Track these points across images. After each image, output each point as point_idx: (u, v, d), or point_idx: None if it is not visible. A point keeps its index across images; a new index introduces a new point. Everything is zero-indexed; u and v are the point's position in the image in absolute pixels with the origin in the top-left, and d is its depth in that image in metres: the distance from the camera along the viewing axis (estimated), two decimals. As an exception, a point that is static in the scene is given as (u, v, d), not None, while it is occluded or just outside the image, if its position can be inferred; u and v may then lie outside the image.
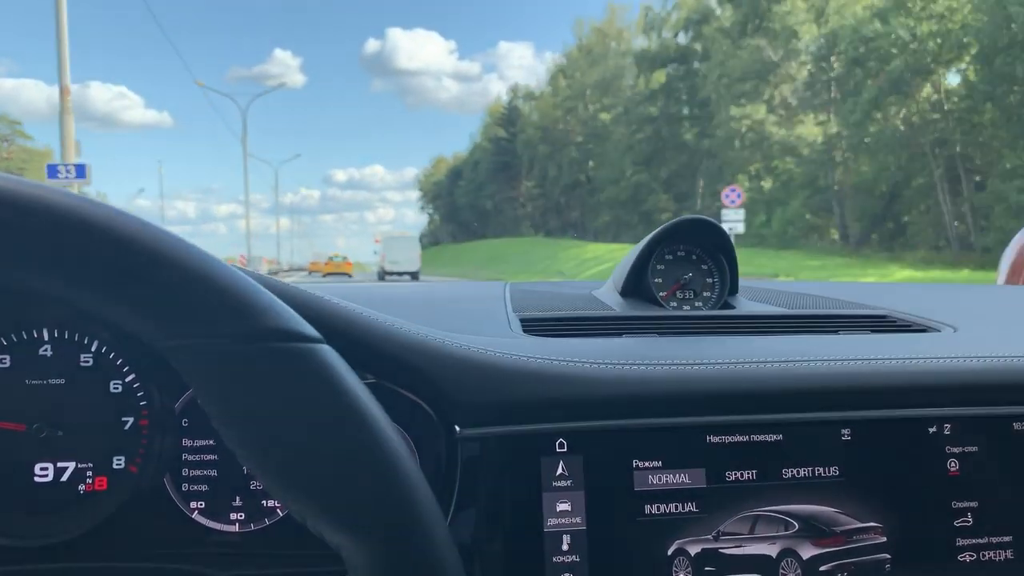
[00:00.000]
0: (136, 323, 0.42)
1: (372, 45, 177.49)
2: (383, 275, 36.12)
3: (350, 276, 39.89)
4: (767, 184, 40.43)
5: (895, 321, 0.97)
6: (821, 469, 0.70)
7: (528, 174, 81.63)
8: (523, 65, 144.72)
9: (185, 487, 0.67)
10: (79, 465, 0.65)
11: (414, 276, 35.71)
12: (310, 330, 0.46)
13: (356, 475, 0.44)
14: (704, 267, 1.06)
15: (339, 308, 0.60)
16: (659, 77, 49.91)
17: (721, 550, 0.67)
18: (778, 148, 39.02)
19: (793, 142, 38.36)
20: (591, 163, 66.33)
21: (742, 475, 0.68)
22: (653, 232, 1.04)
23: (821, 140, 36.73)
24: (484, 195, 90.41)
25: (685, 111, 48.95)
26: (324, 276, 38.58)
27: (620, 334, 0.85)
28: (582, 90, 66.52)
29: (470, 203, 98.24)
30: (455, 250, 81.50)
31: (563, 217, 76.93)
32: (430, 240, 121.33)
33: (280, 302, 0.46)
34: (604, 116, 61.00)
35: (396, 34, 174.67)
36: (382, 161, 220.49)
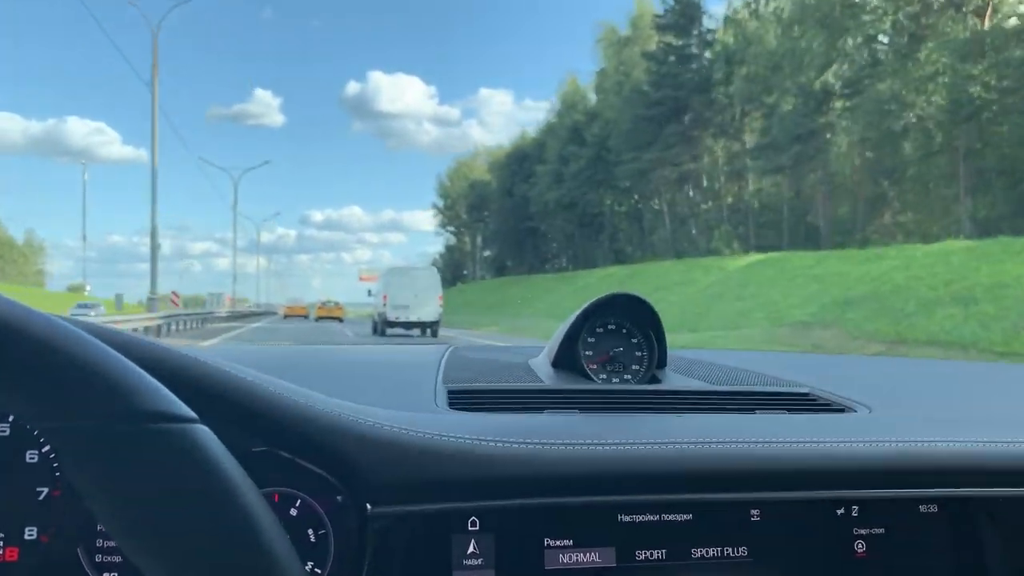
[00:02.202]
0: (13, 406, 0.44)
1: (353, 87, 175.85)
2: (383, 327, 23.51)
3: (341, 321, 39.45)
4: None
5: (814, 400, 0.97)
6: (730, 549, 0.71)
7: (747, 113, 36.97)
8: (503, 112, 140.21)
9: (99, 558, 0.66)
10: None
11: (432, 330, 23.50)
12: (184, 410, 0.46)
13: (222, 561, 0.44)
14: (634, 341, 1.07)
15: (248, 383, 0.60)
16: None
17: None
18: None
19: None
20: None
21: (652, 555, 0.69)
22: (584, 305, 1.06)
23: None
24: (598, 177, 45.74)
25: None
26: (317, 320, 39.73)
27: (543, 409, 0.86)
28: None
29: (566, 200, 52.68)
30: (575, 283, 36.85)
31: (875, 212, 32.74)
32: (451, 275, 75.62)
33: (154, 381, 0.46)
34: None
35: (377, 77, 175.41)
36: (360, 202, 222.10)
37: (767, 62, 38.01)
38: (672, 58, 44.10)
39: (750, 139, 41.67)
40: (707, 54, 42.52)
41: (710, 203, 44.81)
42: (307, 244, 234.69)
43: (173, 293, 26.47)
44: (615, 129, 47.96)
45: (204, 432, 0.46)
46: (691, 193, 45.76)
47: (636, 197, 50.24)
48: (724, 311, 23.99)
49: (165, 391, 0.46)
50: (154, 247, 22.76)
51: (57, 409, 0.43)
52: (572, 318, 1.06)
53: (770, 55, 37.98)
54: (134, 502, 0.43)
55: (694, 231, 44.73)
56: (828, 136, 36.35)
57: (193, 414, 0.46)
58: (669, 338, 1.09)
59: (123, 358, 0.45)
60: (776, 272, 26.20)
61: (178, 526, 0.43)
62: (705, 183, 44.72)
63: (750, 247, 38.98)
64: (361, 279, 47.52)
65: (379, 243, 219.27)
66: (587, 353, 1.06)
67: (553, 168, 56.82)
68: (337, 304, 43.65)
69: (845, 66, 34.78)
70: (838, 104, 35.81)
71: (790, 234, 39.27)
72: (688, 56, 43.75)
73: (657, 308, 1.06)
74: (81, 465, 0.43)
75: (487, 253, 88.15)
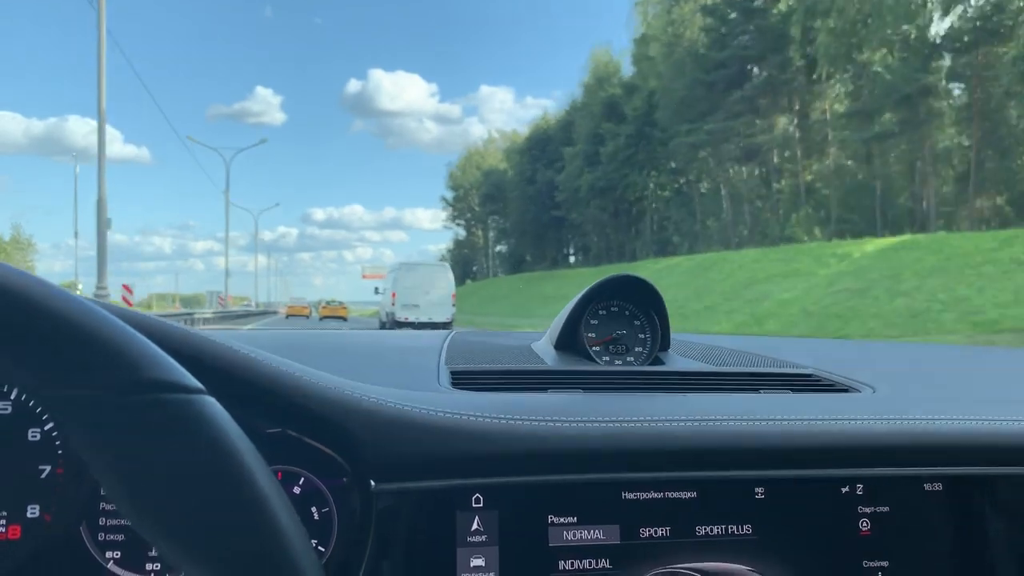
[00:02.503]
0: (16, 374, 0.43)
1: (354, 85, 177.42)
2: (392, 328, 19.81)
3: (345, 319, 39.70)
4: None
5: (818, 380, 0.96)
6: (734, 527, 0.71)
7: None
8: (504, 109, 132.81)
9: (101, 536, 0.66)
10: None
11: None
12: (190, 380, 0.45)
13: (228, 530, 0.43)
14: (636, 323, 1.07)
15: (254, 361, 0.60)
16: None
17: None
18: None
19: None
20: None
21: (656, 532, 0.69)
22: (587, 287, 1.05)
23: None
24: (639, 157, 40.55)
25: None
26: (320, 319, 39.39)
27: (546, 389, 0.86)
28: None
29: (601, 184, 47.24)
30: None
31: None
32: (460, 271, 69.73)
33: (160, 352, 0.45)
34: None
35: (378, 75, 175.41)
36: (361, 201, 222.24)
37: (857, 12, 31.75)
38: (735, 14, 37.84)
39: (831, 106, 35.41)
40: (780, 6, 36.17)
41: (782, 182, 38.47)
42: (308, 243, 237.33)
43: (124, 288, 20.71)
44: (664, 100, 41.56)
45: (211, 403, 0.45)
46: (757, 171, 39.37)
47: (684, 179, 43.96)
48: (882, 312, 17.73)
49: (171, 361, 0.45)
50: (102, 220, 15.44)
51: (59, 377, 0.42)
52: (575, 301, 1.05)
53: (860, 3, 31.72)
54: (138, 472, 0.42)
55: (752, 216, 38.38)
56: (930, 100, 30.08)
57: (199, 384, 0.45)
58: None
59: (127, 327, 0.45)
60: (939, 259, 19.76)
61: (183, 498, 0.43)
62: (775, 159, 38.34)
63: (830, 233, 32.79)
64: (364, 277, 46.80)
65: (380, 241, 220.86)
66: (590, 335, 1.05)
67: (584, 149, 50.55)
68: (341, 304, 44.16)
69: (969, 7, 28.54)
70: (939, 63, 29.65)
71: (874, 216, 33.07)
72: (755, 10, 37.44)
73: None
74: (84, 435, 0.43)
75: (500, 248, 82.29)
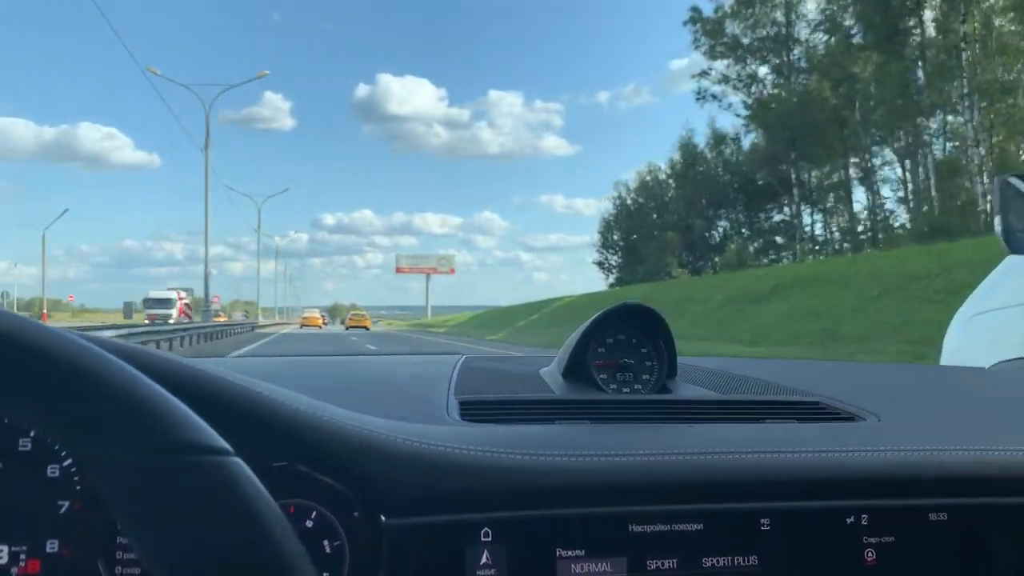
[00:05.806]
0: (52, 436, 0.45)
1: (362, 90, 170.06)
2: None
3: (368, 329, 43.40)
4: None
5: (824, 408, 0.98)
6: (740, 558, 0.72)
7: None
8: (513, 113, 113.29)
9: (118, 570, 0.67)
10: (12, 549, 0.65)
11: None
12: (218, 442, 0.46)
13: None
14: (644, 351, 1.08)
15: (266, 398, 0.61)
16: None
17: None
18: None
19: None
20: None
21: (663, 564, 0.70)
22: (594, 316, 1.07)
23: None
24: None
25: None
26: (347, 329, 42.36)
27: (554, 420, 0.88)
28: None
29: None
30: None
31: None
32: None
33: (188, 411, 0.47)
34: None
35: (387, 80, 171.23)
36: (371, 206, 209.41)
37: None
38: None
39: None
40: None
41: None
42: (319, 248, 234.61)
43: None
44: None
45: (237, 464, 0.46)
46: None
47: None
48: None
49: (200, 421, 0.46)
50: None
51: (94, 440, 0.43)
52: (582, 328, 1.07)
53: None
54: (163, 531, 0.43)
55: None
56: None
57: (227, 446, 0.47)
58: None
59: (158, 387, 0.46)
60: None
61: (204, 559, 0.44)
62: None
63: None
64: (398, 271, 48.95)
65: (391, 246, 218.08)
66: (597, 363, 1.07)
67: None
68: (365, 315, 47.60)
69: None
70: None
71: None
72: None
73: None
74: (112, 492, 0.44)
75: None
